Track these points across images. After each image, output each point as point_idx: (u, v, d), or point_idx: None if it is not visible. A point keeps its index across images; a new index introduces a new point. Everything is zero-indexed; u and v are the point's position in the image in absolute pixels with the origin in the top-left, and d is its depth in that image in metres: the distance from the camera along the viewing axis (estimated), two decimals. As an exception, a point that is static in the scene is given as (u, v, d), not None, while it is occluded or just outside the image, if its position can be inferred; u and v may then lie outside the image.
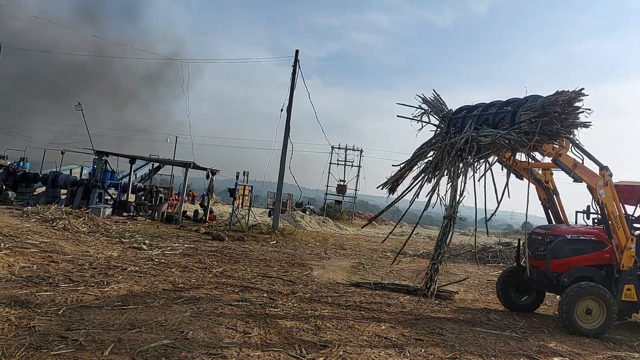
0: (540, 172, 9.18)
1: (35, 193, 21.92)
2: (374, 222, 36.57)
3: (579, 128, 7.98)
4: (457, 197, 8.24)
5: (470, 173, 8.39)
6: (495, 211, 8.33)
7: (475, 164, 8.41)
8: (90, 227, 14.01)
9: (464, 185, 8.28)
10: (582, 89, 7.82)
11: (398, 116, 9.56)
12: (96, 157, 22.50)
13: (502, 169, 8.74)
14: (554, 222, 9.20)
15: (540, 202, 9.34)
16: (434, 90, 9.63)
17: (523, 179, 8.97)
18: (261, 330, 5.80)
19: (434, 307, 8.69)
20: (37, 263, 8.37)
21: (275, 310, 7.01)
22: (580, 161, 8.11)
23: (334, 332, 6.13)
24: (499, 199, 8.19)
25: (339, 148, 50.15)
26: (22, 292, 6.32)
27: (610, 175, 8.00)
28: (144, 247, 12.12)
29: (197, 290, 7.82)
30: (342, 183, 48.98)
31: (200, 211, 23.79)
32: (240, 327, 5.87)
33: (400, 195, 9.32)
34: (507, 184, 8.23)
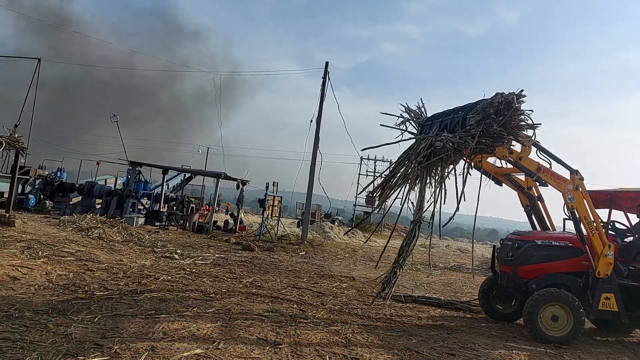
0: (523, 178, 8.93)
1: (71, 202, 22.50)
2: (403, 233, 36.24)
3: (527, 130, 7.96)
4: (424, 202, 8.18)
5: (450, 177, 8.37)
6: (452, 216, 8.29)
7: (439, 169, 8.31)
8: (124, 236, 14.28)
9: (438, 190, 8.22)
10: (522, 90, 7.81)
11: (381, 125, 9.53)
12: (130, 168, 23.00)
13: (457, 174, 8.57)
14: (538, 229, 9.00)
15: (522, 208, 9.15)
16: (420, 100, 9.62)
17: (502, 185, 8.85)
18: (291, 342, 5.81)
19: (466, 321, 8.56)
20: (73, 271, 8.57)
21: (305, 321, 7.01)
22: (548, 165, 8.05)
23: (364, 345, 6.09)
24: (458, 202, 8.13)
25: (368, 159, 49.94)
26: (59, 300, 6.48)
27: (581, 179, 7.82)
28: (176, 256, 12.29)
29: (228, 300, 7.88)
30: (371, 194, 48.60)
31: (231, 221, 24.02)
32: (270, 337, 5.89)
33: (380, 203, 9.26)
34: (462, 189, 8.16)
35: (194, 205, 24.18)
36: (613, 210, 9.25)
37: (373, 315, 8.18)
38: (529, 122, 7.97)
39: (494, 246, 9.40)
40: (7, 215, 12.74)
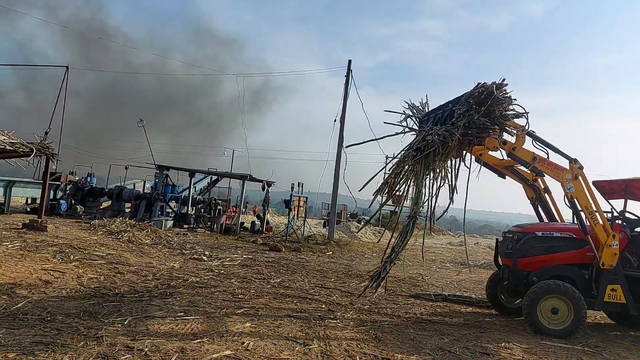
0: (528, 170, 8.68)
1: (101, 207, 22.85)
2: (431, 232, 35.87)
3: (514, 119, 7.90)
4: (420, 196, 8.06)
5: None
6: (446, 209, 8.27)
7: (436, 163, 8.13)
8: (153, 239, 14.42)
9: (436, 184, 8.10)
10: (504, 79, 7.73)
11: (385, 122, 9.38)
12: (157, 172, 23.25)
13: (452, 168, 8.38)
14: (545, 221, 8.80)
15: (528, 200, 8.94)
16: (426, 96, 9.46)
17: (505, 178, 8.65)
18: (321, 342, 5.74)
19: (499, 319, 8.37)
20: (104, 274, 8.67)
21: (334, 321, 6.94)
22: (546, 155, 7.97)
23: (395, 345, 5.99)
24: (451, 195, 8.01)
25: (394, 157, 49.42)
26: (90, 303, 6.55)
27: (581, 168, 7.68)
28: (204, 258, 12.35)
29: (256, 300, 7.87)
30: (397, 193, 48.11)
31: (257, 222, 24.08)
32: (300, 338, 5.83)
33: (386, 200, 9.12)
34: (454, 183, 8.07)
35: (221, 207, 24.32)
36: (629, 200, 8.95)
37: (403, 314, 8.07)
38: (517, 111, 7.90)
39: (497, 239, 9.25)
40: (40, 220, 12.98)
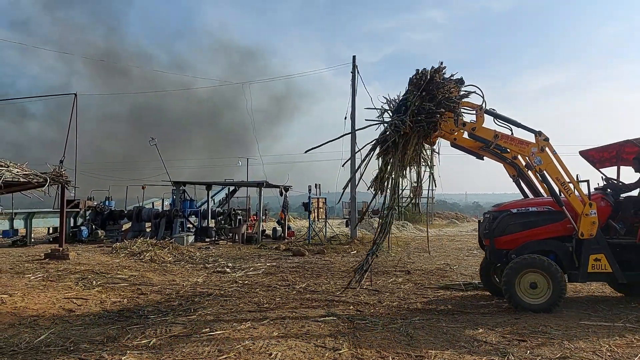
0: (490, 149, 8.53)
1: (122, 229, 22.94)
2: (455, 220, 35.50)
3: (457, 99, 7.93)
4: (398, 187, 8.04)
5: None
6: (413, 198, 8.46)
7: (405, 152, 8.02)
8: (175, 256, 14.37)
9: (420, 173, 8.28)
10: (442, 62, 7.94)
11: (366, 120, 9.22)
12: (174, 188, 23.27)
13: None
14: (530, 197, 8.60)
15: (511, 179, 8.68)
16: (405, 88, 9.34)
17: (484, 159, 8.50)
18: (351, 346, 5.55)
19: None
20: (127, 297, 8.59)
21: (364, 322, 6.74)
22: (510, 132, 7.95)
23: (428, 341, 5.78)
24: (419, 183, 8.18)
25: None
26: (113, 328, 6.43)
27: (546, 139, 7.59)
28: (228, 270, 12.25)
29: (282, 308, 7.71)
30: (415, 185, 47.65)
31: (279, 228, 23.97)
32: (329, 343, 5.65)
33: (377, 192, 8.96)
34: (418, 170, 8.32)
35: (241, 217, 24.28)
36: (621, 167, 8.65)
37: (433, 308, 7.84)
38: (467, 91, 7.97)
39: (479, 221, 9.07)
40: (61, 249, 13.01)
